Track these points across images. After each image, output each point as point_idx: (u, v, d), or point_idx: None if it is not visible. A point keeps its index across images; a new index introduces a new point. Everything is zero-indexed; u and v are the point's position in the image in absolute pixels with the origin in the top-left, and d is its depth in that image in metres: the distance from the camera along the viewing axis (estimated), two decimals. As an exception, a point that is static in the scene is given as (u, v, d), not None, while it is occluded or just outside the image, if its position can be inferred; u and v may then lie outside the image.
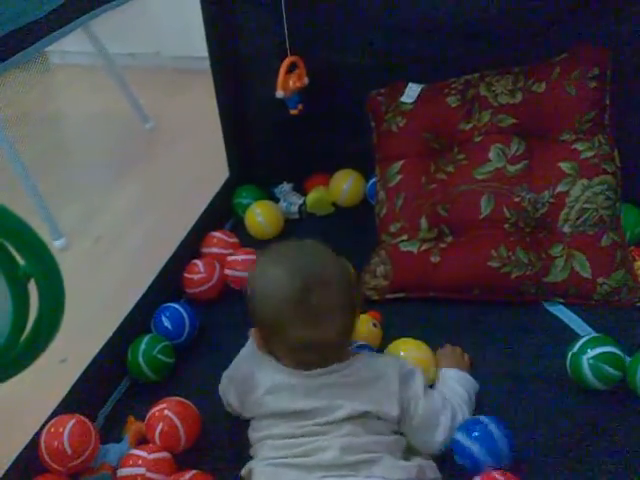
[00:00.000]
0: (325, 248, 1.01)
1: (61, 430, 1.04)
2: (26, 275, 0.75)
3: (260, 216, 1.61)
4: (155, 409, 1.09)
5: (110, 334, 1.28)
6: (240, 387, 1.06)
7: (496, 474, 0.95)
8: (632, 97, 1.42)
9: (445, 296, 1.35)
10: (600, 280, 1.31)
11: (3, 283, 0.75)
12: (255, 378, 1.02)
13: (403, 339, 1.21)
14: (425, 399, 1.02)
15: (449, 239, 1.38)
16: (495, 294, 1.33)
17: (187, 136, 2.42)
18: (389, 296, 1.37)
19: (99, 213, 2.13)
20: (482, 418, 1.03)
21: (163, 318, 1.30)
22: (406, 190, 1.43)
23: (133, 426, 1.12)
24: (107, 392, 1.23)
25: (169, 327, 1.30)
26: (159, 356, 1.23)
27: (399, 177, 1.44)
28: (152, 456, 1.04)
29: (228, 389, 1.11)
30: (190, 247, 1.52)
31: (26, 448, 1.07)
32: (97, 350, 1.25)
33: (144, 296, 1.38)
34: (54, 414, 1.11)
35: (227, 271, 1.44)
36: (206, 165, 1.89)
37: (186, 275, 1.43)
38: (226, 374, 1.15)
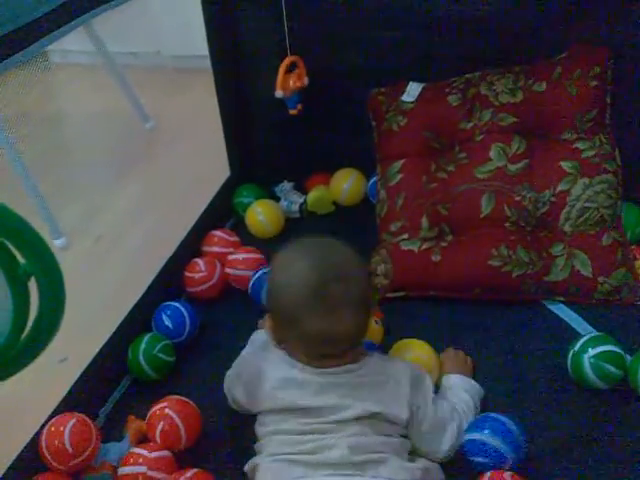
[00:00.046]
0: (345, 246, 1.02)
1: (62, 429, 1.04)
2: (26, 274, 0.75)
3: (261, 215, 1.61)
4: (156, 408, 1.09)
5: (110, 333, 1.28)
6: (248, 382, 1.06)
7: (505, 474, 0.95)
8: (633, 96, 1.42)
9: (446, 295, 1.35)
10: (601, 279, 1.30)
11: (3, 282, 0.75)
12: (264, 372, 1.03)
13: (407, 340, 1.20)
14: (434, 405, 1.02)
15: (450, 238, 1.38)
16: (496, 293, 1.33)
17: (188, 135, 2.42)
18: (390, 295, 1.37)
19: (99, 212, 2.13)
20: (497, 415, 1.03)
21: (164, 317, 1.30)
22: (407, 189, 1.43)
23: (134, 425, 1.12)
24: (108, 391, 1.23)
25: (170, 326, 1.30)
26: (160, 355, 1.23)
27: (400, 176, 1.44)
28: (153, 455, 1.04)
29: (234, 385, 1.11)
30: (191, 246, 1.52)
31: (27, 447, 1.07)
32: (98, 349, 1.25)
33: (144, 295, 1.38)
34: (55, 413, 1.11)
35: (228, 270, 1.44)
36: (207, 164, 1.89)
37: (187, 274, 1.43)
38: (231, 371, 1.15)
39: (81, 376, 1.20)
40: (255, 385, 1.03)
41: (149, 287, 1.40)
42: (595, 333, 1.18)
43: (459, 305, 1.34)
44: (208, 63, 1.65)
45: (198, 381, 1.23)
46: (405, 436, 1.01)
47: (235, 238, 1.55)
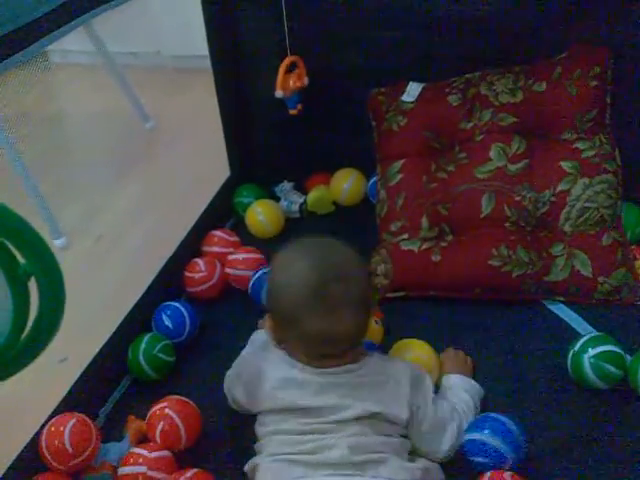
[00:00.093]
0: (345, 246, 1.03)
1: (62, 429, 1.04)
2: (26, 274, 0.75)
3: (261, 215, 1.61)
4: (156, 408, 1.09)
5: (111, 333, 1.28)
6: (248, 382, 1.06)
7: (505, 474, 0.95)
8: (633, 96, 1.42)
9: (446, 295, 1.35)
10: (601, 279, 1.30)
11: (3, 282, 0.75)
12: (264, 372, 1.03)
13: (407, 340, 1.20)
14: (434, 405, 1.02)
15: (450, 238, 1.38)
16: (496, 293, 1.33)
17: (188, 135, 2.42)
18: (390, 295, 1.37)
19: (100, 212, 2.13)
20: (497, 415, 1.03)
21: (164, 317, 1.30)
22: (407, 189, 1.43)
23: (134, 425, 1.12)
24: (108, 391, 1.23)
25: (170, 326, 1.30)
26: (160, 355, 1.23)
27: (400, 176, 1.44)
28: (153, 455, 1.04)
29: (234, 385, 1.11)
30: (191, 246, 1.52)
31: (27, 447, 1.07)
32: (98, 349, 1.25)
33: (144, 295, 1.38)
34: (55, 413, 1.11)
35: (228, 270, 1.44)
36: (207, 164, 1.89)
37: (187, 274, 1.43)
38: (231, 371, 1.15)
39: (81, 376, 1.20)
40: (255, 385, 1.03)
41: (149, 287, 1.40)
42: (595, 333, 1.18)
43: (459, 305, 1.34)
44: (208, 63, 1.65)
45: (198, 381, 1.23)
46: (405, 436, 1.01)
47: (235, 238, 1.55)
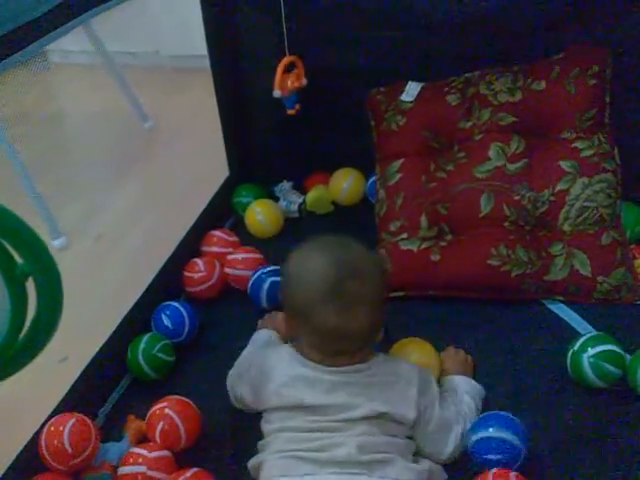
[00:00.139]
0: (363, 245, 1.04)
1: (61, 429, 1.03)
2: (24, 274, 0.75)
3: (260, 215, 1.61)
4: (155, 408, 1.09)
5: (110, 333, 1.28)
6: (255, 379, 1.06)
7: (510, 474, 0.95)
8: (632, 95, 1.42)
9: (445, 294, 1.35)
10: (600, 278, 1.30)
11: (1, 282, 0.75)
12: (272, 369, 1.03)
13: (408, 339, 1.20)
14: (440, 407, 1.03)
15: (449, 237, 1.38)
16: (495, 293, 1.33)
17: (187, 135, 2.42)
18: (389, 294, 1.37)
19: (99, 212, 2.13)
20: (498, 412, 1.03)
21: (163, 317, 1.30)
22: (406, 189, 1.43)
23: (133, 425, 1.12)
24: (107, 391, 1.23)
25: (169, 326, 1.30)
26: (159, 355, 1.23)
27: (399, 176, 1.44)
28: (153, 454, 1.04)
29: (238, 383, 1.11)
30: (190, 246, 1.52)
31: (26, 447, 1.07)
32: (97, 349, 1.25)
33: (144, 295, 1.38)
34: (54, 413, 1.11)
35: (227, 270, 1.44)
36: (206, 164, 1.89)
37: (186, 274, 1.42)
38: (234, 369, 1.15)
39: (81, 376, 1.20)
40: (261, 382, 1.03)
41: (148, 287, 1.40)
42: (594, 332, 1.18)
43: (458, 305, 1.34)
44: (207, 63, 1.65)
45: (198, 381, 1.23)
46: (410, 437, 1.01)
47: (234, 238, 1.54)
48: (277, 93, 1.47)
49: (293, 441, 0.96)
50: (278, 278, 1.35)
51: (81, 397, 1.17)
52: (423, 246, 1.38)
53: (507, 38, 1.43)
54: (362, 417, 0.96)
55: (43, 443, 1.04)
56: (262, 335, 1.25)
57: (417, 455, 1.01)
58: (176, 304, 1.32)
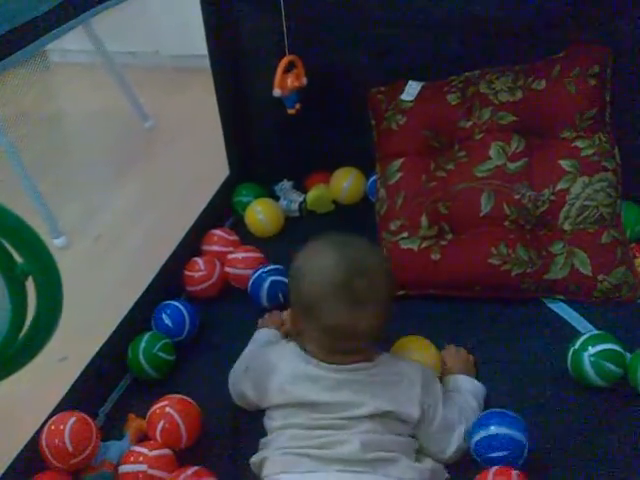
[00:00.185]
0: (373, 245, 1.05)
1: (62, 428, 1.04)
2: (24, 273, 0.75)
3: (260, 214, 1.61)
4: (156, 406, 1.09)
5: (110, 332, 1.28)
6: (258, 376, 1.06)
7: (512, 472, 0.95)
8: (632, 95, 1.42)
9: (445, 293, 1.35)
10: (600, 277, 1.30)
11: (1, 281, 0.75)
12: (276, 366, 1.03)
13: (409, 337, 1.20)
14: (444, 407, 1.03)
15: (449, 236, 1.38)
16: (495, 291, 1.33)
17: (187, 134, 2.42)
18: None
19: (99, 212, 2.13)
20: (496, 410, 1.04)
21: (163, 316, 1.30)
22: (406, 188, 1.43)
23: (134, 423, 1.12)
24: (108, 390, 1.23)
25: (169, 325, 1.30)
26: (159, 354, 1.23)
27: (399, 175, 1.44)
28: (153, 453, 1.04)
29: (240, 380, 1.11)
30: (190, 245, 1.52)
31: (27, 446, 1.08)
32: (97, 348, 1.25)
33: (144, 294, 1.38)
34: (55, 412, 1.11)
35: (227, 269, 1.44)
36: (206, 163, 1.89)
37: (187, 273, 1.43)
38: (237, 367, 1.16)
39: (81, 375, 1.20)
40: (265, 380, 1.03)
41: (149, 286, 1.40)
42: (595, 331, 1.18)
43: (459, 304, 1.34)
44: (207, 62, 1.65)
45: (198, 380, 1.23)
46: (413, 436, 1.01)
47: (234, 237, 1.54)
48: (277, 92, 1.46)
49: (296, 438, 0.97)
50: (278, 277, 1.35)
51: (81, 396, 1.17)
52: (423, 245, 1.37)
53: (507, 37, 1.43)
54: (366, 415, 0.96)
55: (44, 442, 1.04)
56: (263, 334, 1.25)
57: (419, 454, 1.01)
58: (176, 303, 1.32)
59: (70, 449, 1.02)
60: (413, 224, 1.40)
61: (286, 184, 1.71)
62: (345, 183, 1.66)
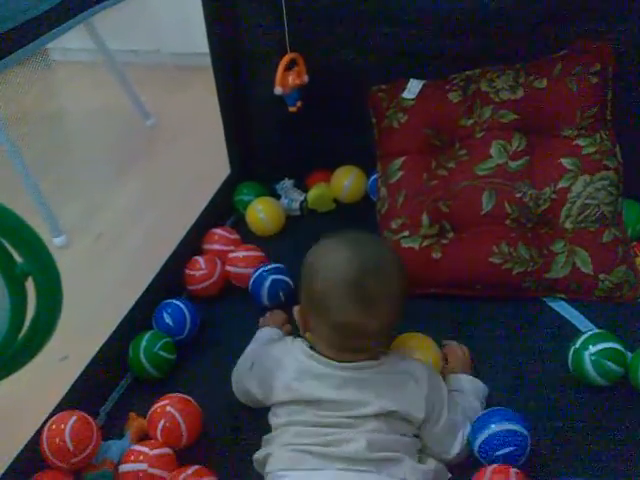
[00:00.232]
0: (386, 244, 1.04)
1: (63, 427, 1.04)
2: (24, 273, 0.75)
3: (261, 213, 1.61)
4: (157, 405, 1.10)
5: (111, 331, 1.28)
6: (263, 373, 1.06)
7: (510, 469, 0.95)
8: (634, 93, 1.41)
9: (446, 292, 1.35)
10: (602, 276, 1.30)
11: (1, 281, 0.75)
12: (282, 363, 1.03)
13: (410, 334, 1.19)
14: (448, 408, 1.02)
15: (450, 235, 1.38)
16: (496, 290, 1.33)
17: (188, 133, 2.42)
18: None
19: (100, 210, 2.13)
20: (494, 408, 1.04)
21: (164, 314, 1.30)
22: (407, 186, 1.43)
23: (135, 422, 1.12)
24: (108, 389, 1.23)
25: (170, 323, 1.30)
26: (160, 353, 1.23)
27: (400, 173, 1.44)
28: (154, 452, 1.04)
29: (245, 377, 1.11)
30: (191, 244, 1.51)
31: (28, 445, 1.08)
32: (98, 347, 1.25)
33: (145, 293, 1.38)
34: (56, 411, 1.11)
35: (228, 268, 1.44)
36: (207, 162, 1.89)
37: (187, 272, 1.42)
38: (241, 364, 1.15)
39: (82, 374, 1.20)
40: (270, 376, 1.03)
41: (150, 285, 1.40)
42: (596, 330, 1.18)
43: (460, 302, 1.34)
44: (208, 61, 1.64)
45: (199, 379, 1.23)
46: (417, 436, 1.01)
47: (235, 236, 1.54)
48: (278, 90, 1.46)
49: (301, 435, 0.96)
50: (279, 276, 1.35)
51: (82, 395, 1.17)
52: (424, 244, 1.37)
53: (509, 35, 1.42)
54: (372, 414, 0.96)
55: (44, 441, 1.04)
56: (265, 333, 1.25)
57: (422, 454, 1.01)
58: (177, 302, 1.32)
59: (71, 448, 1.02)
60: (414, 223, 1.39)
61: (287, 183, 1.71)
62: (346, 182, 1.66)
